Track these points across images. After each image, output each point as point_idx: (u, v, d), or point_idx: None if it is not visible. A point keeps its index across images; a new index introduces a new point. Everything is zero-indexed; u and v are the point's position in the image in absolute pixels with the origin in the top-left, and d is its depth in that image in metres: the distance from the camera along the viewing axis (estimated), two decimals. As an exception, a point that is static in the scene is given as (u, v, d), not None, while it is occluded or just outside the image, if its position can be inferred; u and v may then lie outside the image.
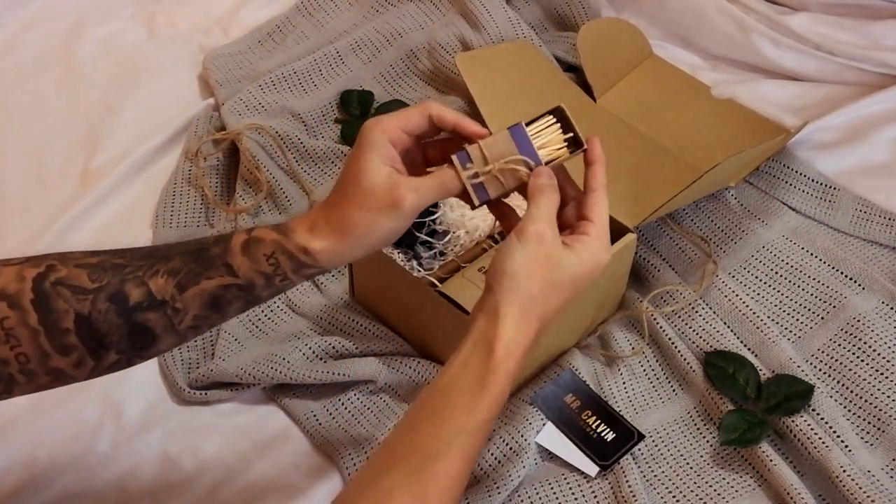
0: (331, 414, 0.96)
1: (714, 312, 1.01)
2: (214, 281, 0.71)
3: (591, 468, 0.89)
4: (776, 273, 1.05)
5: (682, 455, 0.92)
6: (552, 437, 0.91)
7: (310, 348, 0.98)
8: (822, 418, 0.91)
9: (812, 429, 0.90)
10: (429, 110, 0.74)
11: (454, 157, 0.72)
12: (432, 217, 0.99)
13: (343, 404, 0.96)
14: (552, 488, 0.88)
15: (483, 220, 1.01)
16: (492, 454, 0.90)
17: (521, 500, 0.87)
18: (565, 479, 0.89)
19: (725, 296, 1.02)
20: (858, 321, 0.99)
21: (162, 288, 0.69)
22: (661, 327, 0.99)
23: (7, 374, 0.68)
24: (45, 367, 0.68)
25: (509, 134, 0.73)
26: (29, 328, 0.67)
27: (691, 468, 0.91)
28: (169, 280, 0.70)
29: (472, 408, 0.67)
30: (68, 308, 0.67)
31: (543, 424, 0.92)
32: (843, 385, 0.96)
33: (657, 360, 0.99)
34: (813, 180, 1.13)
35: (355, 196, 0.71)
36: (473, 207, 0.74)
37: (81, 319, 0.68)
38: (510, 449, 0.90)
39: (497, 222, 1.01)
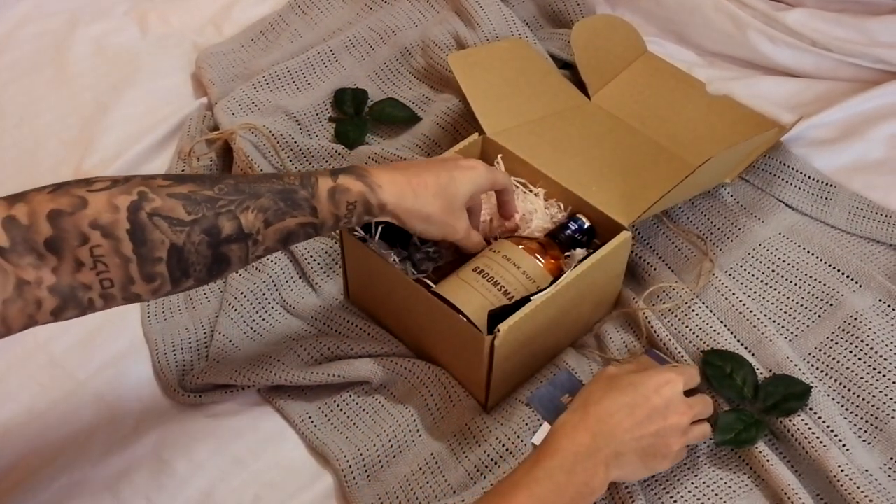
0: (326, 415, 0.96)
1: (710, 311, 1.01)
2: (297, 219, 0.78)
3: (588, 469, 0.89)
4: (773, 271, 1.05)
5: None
6: None
7: (304, 350, 0.98)
8: (819, 417, 0.91)
9: (809, 428, 0.89)
10: (506, 185, 0.94)
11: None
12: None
13: (338, 406, 0.96)
14: (548, 489, 0.88)
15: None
16: (488, 455, 0.90)
17: (518, 502, 0.87)
18: (562, 479, 0.89)
19: (722, 294, 1.01)
20: (855, 319, 0.99)
21: (251, 223, 0.75)
22: (657, 326, 0.99)
23: (87, 299, 0.69)
24: (125, 293, 0.71)
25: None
26: (122, 256, 0.69)
27: (688, 468, 0.90)
28: (258, 216, 0.75)
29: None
30: (164, 239, 0.70)
31: (540, 425, 0.92)
32: (840, 383, 0.96)
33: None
34: (809, 177, 1.13)
35: (445, 200, 0.86)
36: None
37: (175, 249, 0.71)
38: (506, 450, 0.90)
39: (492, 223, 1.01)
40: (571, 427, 0.79)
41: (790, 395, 0.92)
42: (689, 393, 0.85)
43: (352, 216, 0.82)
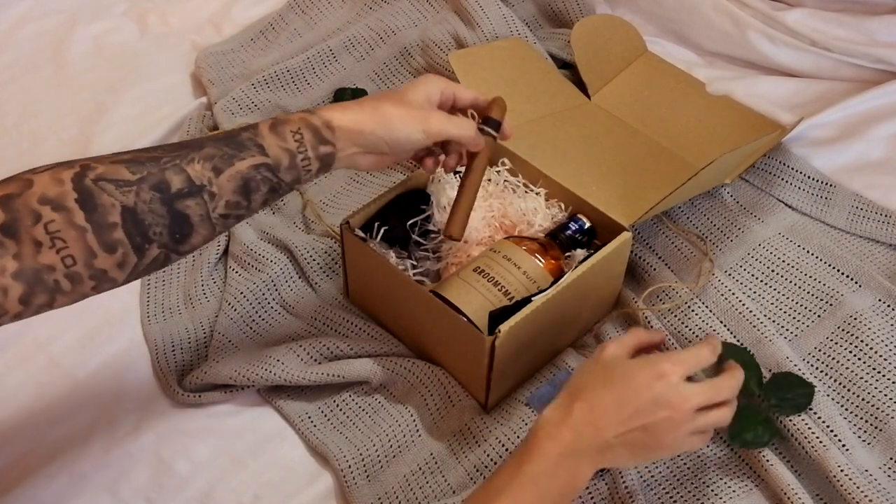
0: (325, 415, 0.96)
1: (710, 311, 1.01)
2: (247, 161, 0.76)
3: (588, 469, 0.89)
4: (772, 271, 1.05)
5: (679, 455, 0.92)
6: None
7: (304, 350, 0.97)
8: (819, 417, 0.91)
9: (809, 428, 0.89)
10: (477, 99, 0.91)
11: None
12: (424, 216, 0.99)
13: (338, 405, 0.96)
14: (548, 489, 0.88)
15: (477, 228, 1.00)
16: (487, 455, 0.90)
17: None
18: (562, 480, 0.89)
19: (722, 294, 1.01)
20: (855, 319, 0.98)
21: (200, 173, 0.73)
22: (657, 326, 0.99)
23: (52, 281, 0.68)
24: (90, 269, 0.69)
25: None
26: (76, 227, 0.68)
27: (689, 468, 0.90)
28: (205, 164, 0.73)
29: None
30: (114, 201, 0.69)
31: None
32: (839, 383, 0.95)
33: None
34: (809, 177, 1.13)
35: (395, 98, 0.84)
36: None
37: (127, 211, 0.70)
38: (506, 450, 0.90)
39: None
40: (554, 425, 0.76)
41: (795, 394, 0.92)
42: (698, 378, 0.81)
43: (305, 148, 0.79)
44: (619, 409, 0.76)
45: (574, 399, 0.77)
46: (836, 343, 0.98)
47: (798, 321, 1.01)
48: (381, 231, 0.96)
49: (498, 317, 0.87)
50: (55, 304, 0.69)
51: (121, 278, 0.72)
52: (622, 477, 0.87)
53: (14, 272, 0.67)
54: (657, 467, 0.90)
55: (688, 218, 1.10)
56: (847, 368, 0.96)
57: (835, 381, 0.96)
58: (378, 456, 0.92)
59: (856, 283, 1.03)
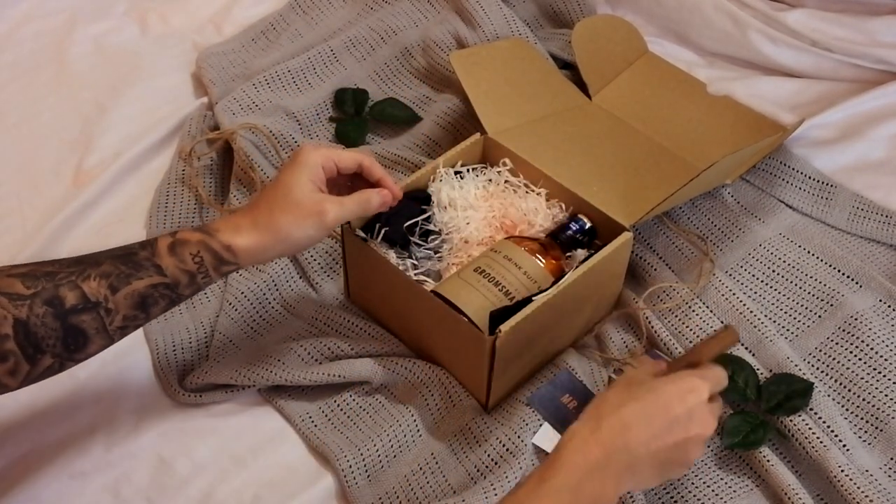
0: (326, 415, 0.96)
1: (711, 311, 1.01)
2: (144, 281, 0.77)
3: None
4: (773, 271, 1.05)
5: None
6: (549, 438, 0.91)
7: (305, 350, 0.97)
8: (819, 418, 0.91)
9: (810, 428, 0.89)
10: (361, 161, 0.88)
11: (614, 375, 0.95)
12: (424, 216, 0.99)
13: (339, 406, 0.96)
14: (549, 489, 0.88)
15: (478, 228, 1.00)
16: (488, 455, 0.90)
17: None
18: (562, 480, 0.89)
19: (722, 294, 1.01)
20: (856, 319, 0.99)
21: (95, 290, 0.75)
22: (657, 326, 0.99)
23: None
24: None
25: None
26: None
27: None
28: (101, 282, 0.75)
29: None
30: (6, 314, 0.71)
31: (540, 425, 0.92)
32: (840, 384, 0.96)
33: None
34: (810, 177, 1.13)
35: (285, 204, 0.82)
36: None
37: (20, 324, 0.71)
38: (507, 450, 0.89)
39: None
40: (582, 440, 0.73)
41: (793, 393, 0.92)
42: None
43: (206, 269, 0.80)
44: (650, 423, 0.73)
45: (602, 414, 0.74)
46: (837, 343, 0.98)
47: (798, 321, 1.01)
48: (382, 231, 0.96)
49: (498, 317, 0.87)
50: None
51: (14, 385, 0.73)
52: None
53: None
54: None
55: (688, 218, 1.10)
56: (847, 369, 0.96)
57: (835, 381, 0.96)
58: (379, 456, 0.92)
59: (856, 283, 1.03)
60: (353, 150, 0.88)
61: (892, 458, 0.91)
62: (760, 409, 0.92)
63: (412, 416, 0.94)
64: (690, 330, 0.99)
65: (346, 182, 0.90)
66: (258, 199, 0.84)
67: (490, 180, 1.04)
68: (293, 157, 0.85)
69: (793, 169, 1.14)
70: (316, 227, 0.83)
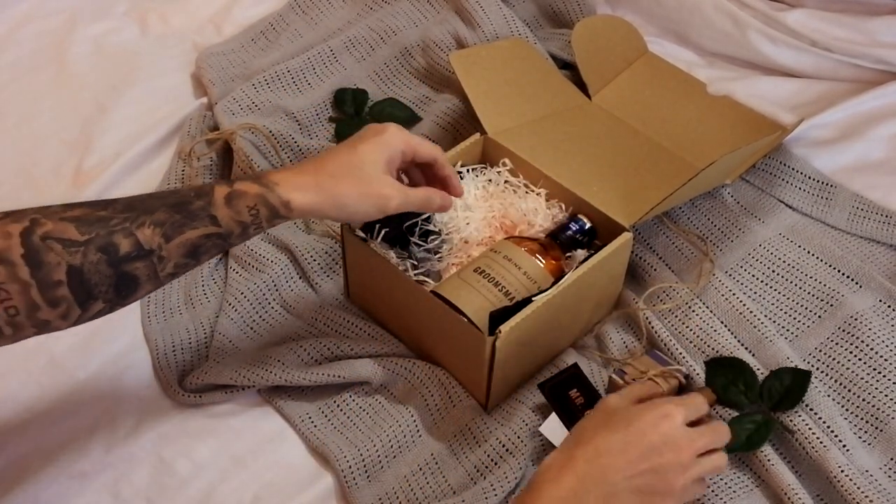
0: (326, 416, 0.96)
1: (711, 311, 1.01)
2: (199, 231, 0.76)
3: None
4: (773, 271, 1.05)
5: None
6: (555, 429, 0.90)
7: (305, 350, 0.97)
8: (819, 417, 0.91)
9: (810, 428, 0.89)
10: (437, 156, 0.89)
11: (614, 375, 0.93)
12: (425, 216, 0.99)
13: (338, 406, 0.96)
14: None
15: (478, 228, 1.00)
16: (488, 456, 0.90)
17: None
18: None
19: (722, 294, 1.01)
20: (855, 319, 0.98)
21: (149, 238, 0.74)
22: (657, 327, 0.99)
23: None
24: (32, 320, 0.70)
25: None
26: (20, 282, 0.69)
27: (688, 468, 0.90)
28: (155, 230, 0.74)
29: None
30: (60, 261, 0.70)
31: (546, 417, 0.91)
32: (840, 384, 0.95)
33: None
34: (810, 178, 1.13)
35: (353, 177, 0.83)
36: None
37: (73, 271, 0.70)
38: (506, 450, 0.90)
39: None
40: (556, 470, 0.73)
41: (793, 385, 0.92)
42: (696, 423, 0.79)
43: (260, 221, 0.80)
44: (625, 450, 0.74)
45: (577, 444, 0.75)
46: (837, 343, 0.98)
47: (798, 321, 1.01)
48: (382, 231, 0.96)
49: (498, 317, 0.87)
50: None
51: (65, 326, 0.73)
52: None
53: None
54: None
55: (688, 218, 1.10)
56: (847, 369, 0.96)
57: (835, 381, 0.96)
58: (378, 456, 0.92)
59: (856, 283, 1.03)
60: (431, 143, 0.89)
61: (892, 459, 0.91)
62: (762, 408, 0.92)
63: (412, 416, 0.94)
64: (690, 330, 0.99)
65: (414, 167, 0.91)
66: (324, 160, 0.83)
67: (490, 180, 1.04)
68: (375, 131, 0.85)
69: (792, 169, 1.14)
70: (376, 209, 0.84)
